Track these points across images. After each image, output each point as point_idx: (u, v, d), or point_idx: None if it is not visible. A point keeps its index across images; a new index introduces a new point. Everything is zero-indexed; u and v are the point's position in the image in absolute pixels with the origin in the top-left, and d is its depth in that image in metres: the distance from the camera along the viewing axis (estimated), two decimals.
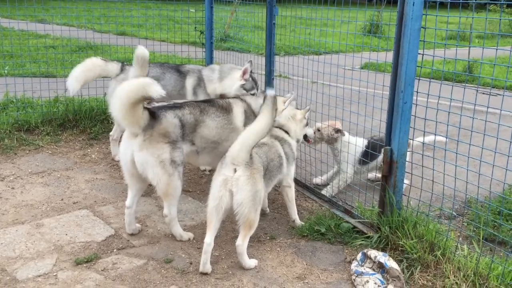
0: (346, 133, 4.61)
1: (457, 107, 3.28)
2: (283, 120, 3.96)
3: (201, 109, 3.81)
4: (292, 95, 4.13)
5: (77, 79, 4.81)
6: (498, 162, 3.00)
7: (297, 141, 4.02)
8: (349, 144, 4.53)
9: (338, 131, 4.54)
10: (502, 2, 3.15)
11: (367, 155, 4.41)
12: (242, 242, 3.25)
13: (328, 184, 4.72)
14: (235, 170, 3.16)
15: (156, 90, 3.22)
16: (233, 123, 3.97)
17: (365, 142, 4.59)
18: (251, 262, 3.35)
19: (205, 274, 3.23)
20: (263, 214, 3.95)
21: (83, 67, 4.88)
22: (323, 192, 4.54)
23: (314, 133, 4.47)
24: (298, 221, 3.95)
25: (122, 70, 5.04)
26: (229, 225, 3.83)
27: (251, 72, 4.90)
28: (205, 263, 3.23)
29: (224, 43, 10.24)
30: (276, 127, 3.89)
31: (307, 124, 4.16)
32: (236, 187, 3.15)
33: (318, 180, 4.91)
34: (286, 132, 3.90)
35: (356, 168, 4.62)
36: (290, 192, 3.90)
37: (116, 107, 3.28)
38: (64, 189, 4.52)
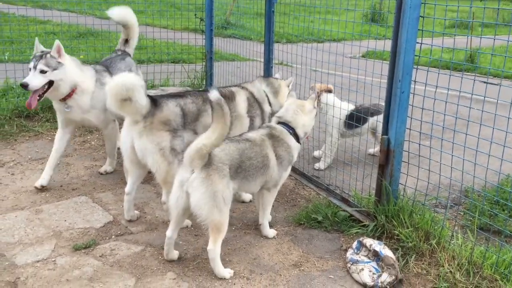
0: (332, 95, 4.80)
1: (456, 96, 3.26)
2: (290, 116, 3.57)
3: (203, 98, 3.81)
4: (292, 78, 4.17)
5: None
6: (495, 151, 3.00)
7: (305, 134, 3.64)
8: (334, 107, 4.68)
9: (329, 91, 4.78)
10: None
11: (352, 119, 4.64)
12: (213, 247, 3.03)
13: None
14: (192, 171, 2.98)
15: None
16: (236, 110, 3.98)
17: (351, 107, 4.78)
18: (225, 272, 3.10)
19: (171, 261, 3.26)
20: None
21: None
22: (317, 166, 4.91)
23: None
24: (267, 230, 3.63)
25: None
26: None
27: None
28: (167, 253, 3.25)
29: (226, 30, 10.18)
30: (281, 123, 3.57)
31: (316, 114, 3.76)
32: (191, 188, 2.97)
33: (316, 153, 5.23)
34: (292, 128, 3.53)
35: (341, 131, 4.86)
36: (267, 197, 3.55)
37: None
38: (63, 175, 4.55)
